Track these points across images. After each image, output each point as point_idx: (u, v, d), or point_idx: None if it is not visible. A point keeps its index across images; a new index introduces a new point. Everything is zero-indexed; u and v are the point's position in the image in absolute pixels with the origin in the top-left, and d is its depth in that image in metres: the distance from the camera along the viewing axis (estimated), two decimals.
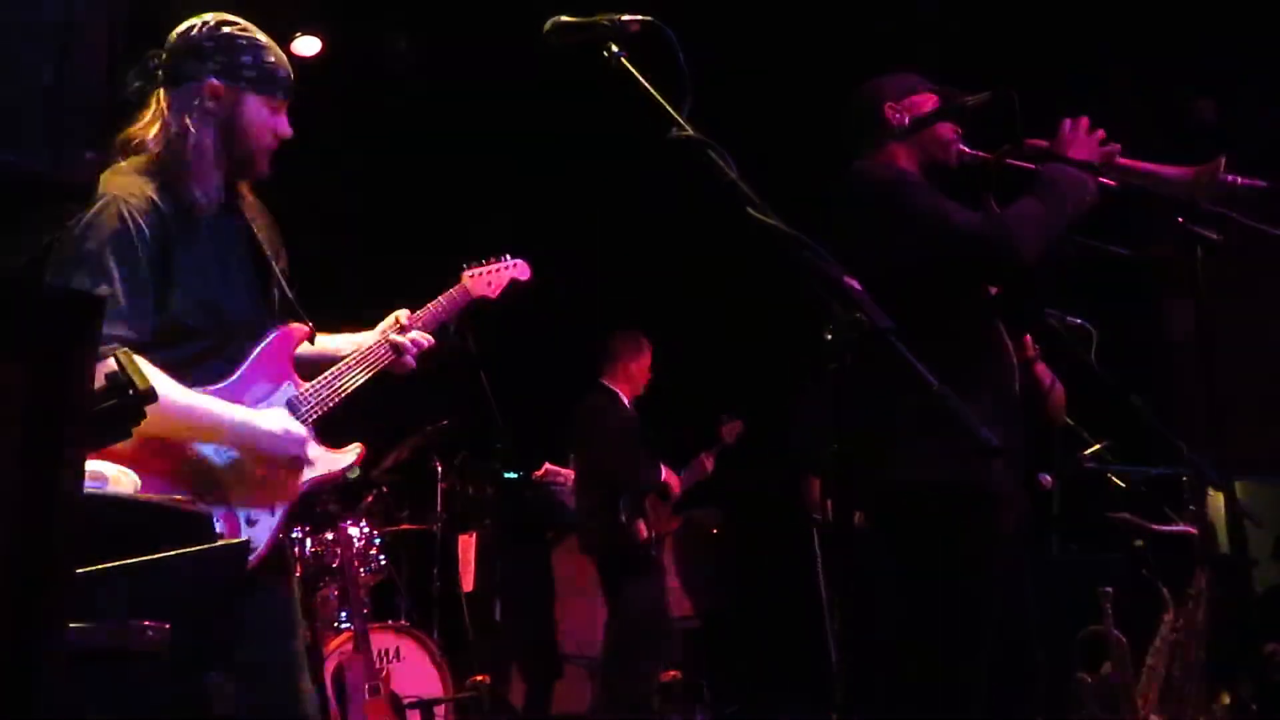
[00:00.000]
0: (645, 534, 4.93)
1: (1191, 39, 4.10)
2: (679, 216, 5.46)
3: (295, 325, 2.41)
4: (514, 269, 2.96)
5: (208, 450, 2.21)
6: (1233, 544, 3.59)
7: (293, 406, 2.36)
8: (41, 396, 1.29)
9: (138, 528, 1.91)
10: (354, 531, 4.74)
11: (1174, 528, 3.85)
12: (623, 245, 6.24)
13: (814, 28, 4.78)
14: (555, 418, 5.39)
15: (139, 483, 1.93)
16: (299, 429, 2.31)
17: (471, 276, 2.89)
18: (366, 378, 2.50)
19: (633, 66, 1.92)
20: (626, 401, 5.09)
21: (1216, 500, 4.21)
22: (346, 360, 2.49)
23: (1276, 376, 4.60)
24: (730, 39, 4.81)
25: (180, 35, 2.32)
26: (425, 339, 2.60)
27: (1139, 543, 3.75)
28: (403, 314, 2.63)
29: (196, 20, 2.32)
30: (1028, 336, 3.21)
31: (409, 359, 2.56)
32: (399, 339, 2.55)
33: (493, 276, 2.92)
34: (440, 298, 2.76)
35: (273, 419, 2.28)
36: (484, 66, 5.35)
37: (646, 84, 1.88)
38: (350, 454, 2.45)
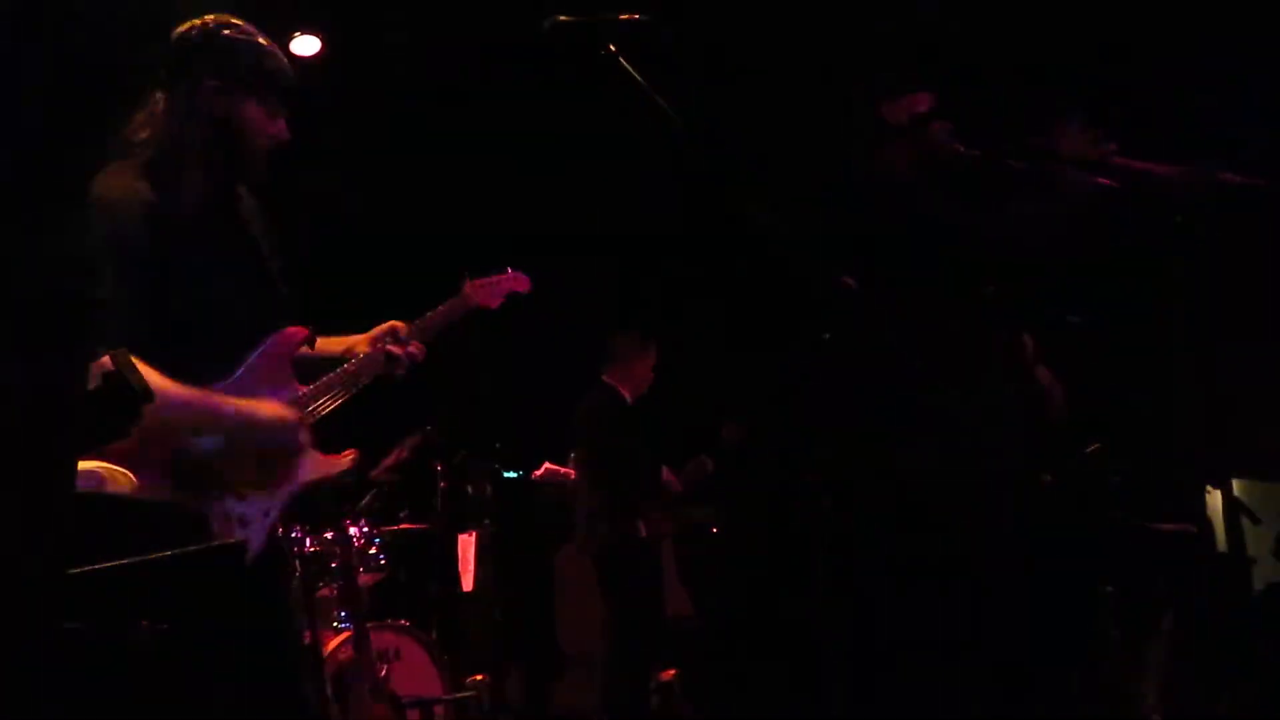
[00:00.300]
0: (644, 533, 4.93)
1: (1191, 39, 4.10)
2: (679, 216, 5.46)
3: (294, 328, 2.40)
4: (514, 282, 2.98)
5: (205, 444, 2.21)
6: (1230, 542, 3.60)
7: None
8: (38, 397, 1.29)
9: (133, 527, 1.91)
10: (354, 531, 4.74)
11: (1174, 526, 3.84)
12: (623, 244, 6.24)
13: (814, 27, 4.78)
14: (555, 417, 5.39)
15: (135, 482, 1.93)
16: (293, 414, 2.31)
17: (472, 287, 2.90)
18: (363, 384, 2.51)
19: (631, 65, 1.92)
20: (629, 400, 5.08)
21: (1215, 498, 4.21)
22: (345, 366, 2.50)
23: (1275, 375, 4.60)
24: (730, 39, 4.80)
25: (180, 36, 2.31)
26: (421, 351, 2.61)
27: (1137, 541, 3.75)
28: (399, 326, 2.63)
29: (197, 21, 2.31)
30: (1026, 336, 3.21)
31: (402, 371, 2.58)
32: (396, 350, 2.56)
33: (493, 288, 2.93)
34: (440, 307, 2.77)
35: (268, 407, 2.28)
36: (484, 66, 5.34)
37: (643, 82, 1.89)
38: (344, 459, 2.45)
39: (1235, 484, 4.25)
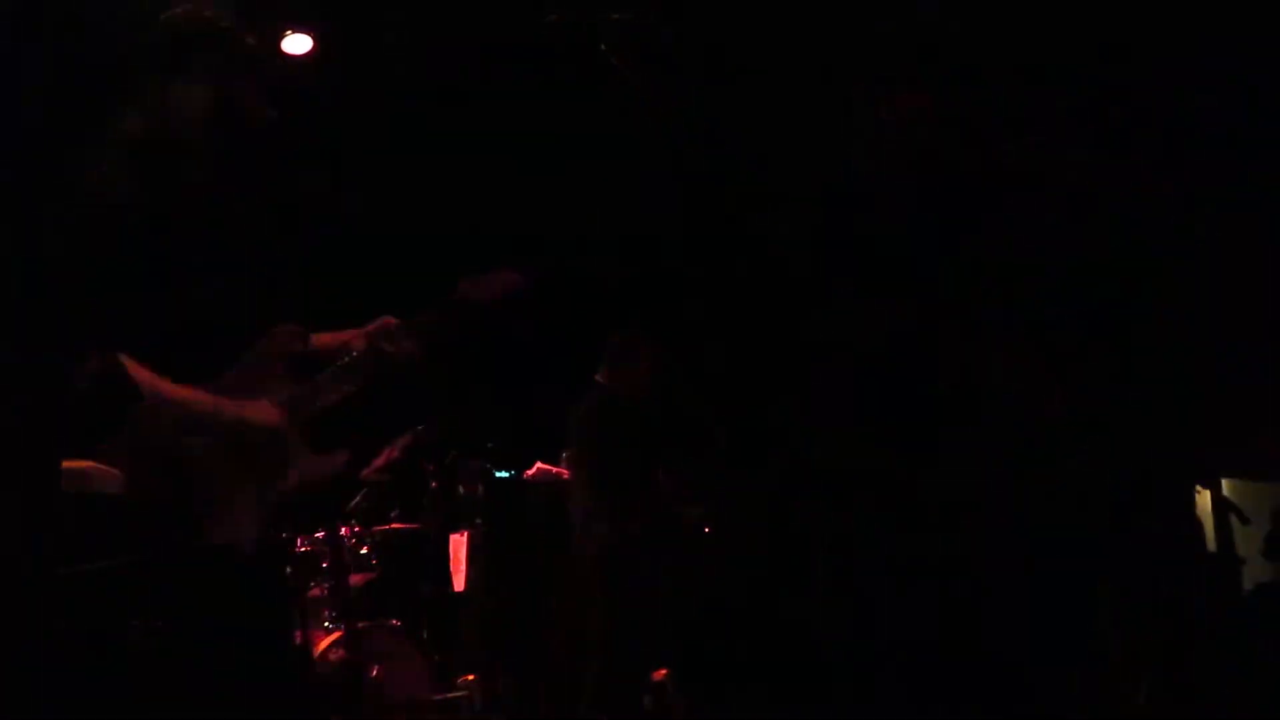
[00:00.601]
0: (638, 533, 4.92)
1: (1190, 38, 4.11)
2: (678, 216, 5.44)
3: (287, 327, 2.39)
4: (508, 281, 2.95)
5: (195, 444, 2.19)
6: (1219, 542, 3.61)
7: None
8: (28, 396, 1.28)
9: (122, 527, 1.90)
10: (345, 531, 4.72)
11: (1167, 526, 3.86)
12: (621, 244, 6.22)
13: (814, 27, 4.77)
14: (547, 416, 5.38)
15: (123, 481, 1.92)
16: (281, 419, 2.29)
17: (466, 288, 2.87)
18: (355, 384, 2.50)
19: (628, 64, 1.91)
20: (623, 401, 5.06)
21: (1204, 498, 4.23)
22: (339, 365, 2.49)
23: (1265, 375, 4.62)
24: (730, 39, 4.79)
25: (158, 28, 2.30)
26: (415, 349, 2.60)
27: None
28: (391, 322, 2.62)
29: (175, 10, 2.30)
30: (1021, 338, 3.21)
31: (399, 368, 2.57)
32: (391, 349, 2.55)
33: (487, 288, 2.91)
34: (433, 308, 2.75)
35: (255, 409, 2.26)
36: (480, 65, 5.33)
37: (638, 81, 1.88)
38: (337, 459, 2.44)
39: (1225, 484, 4.28)
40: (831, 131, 2.90)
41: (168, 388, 2.11)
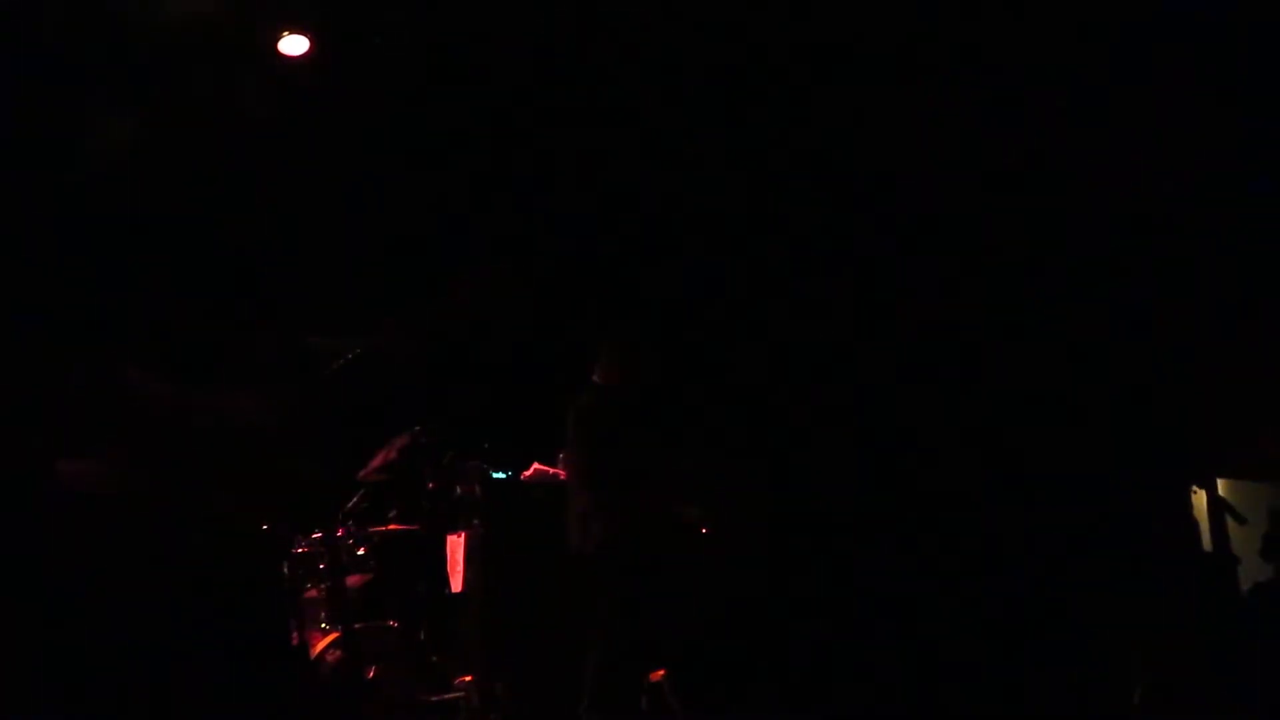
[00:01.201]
0: (636, 533, 4.92)
1: (1189, 38, 4.11)
2: (676, 215, 5.44)
3: (278, 329, 2.40)
4: (500, 277, 2.96)
5: (193, 441, 2.20)
6: (1215, 541, 3.62)
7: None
8: (20, 396, 1.28)
9: (120, 526, 1.90)
10: (342, 532, 4.71)
11: (1165, 526, 3.87)
12: (619, 243, 6.21)
13: (814, 28, 4.76)
14: (543, 417, 5.37)
15: (123, 481, 1.93)
16: (269, 405, 2.30)
17: (459, 286, 2.88)
18: (350, 384, 2.51)
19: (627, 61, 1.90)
20: (620, 401, 5.05)
21: (1201, 498, 4.23)
22: (332, 369, 2.50)
23: (1262, 376, 4.63)
24: (731, 39, 4.79)
25: (157, 30, 2.30)
26: (410, 345, 2.61)
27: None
28: (387, 322, 2.63)
29: (174, 12, 2.30)
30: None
31: (394, 364, 2.57)
32: (385, 347, 2.56)
33: (480, 285, 2.91)
34: (427, 306, 2.76)
35: (249, 394, 2.27)
36: (476, 65, 5.32)
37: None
38: (334, 461, 2.46)
39: (1221, 484, 4.29)
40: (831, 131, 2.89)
41: (156, 385, 2.12)
